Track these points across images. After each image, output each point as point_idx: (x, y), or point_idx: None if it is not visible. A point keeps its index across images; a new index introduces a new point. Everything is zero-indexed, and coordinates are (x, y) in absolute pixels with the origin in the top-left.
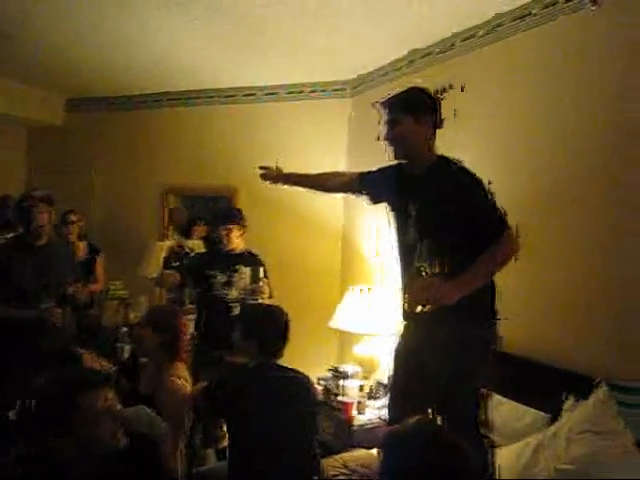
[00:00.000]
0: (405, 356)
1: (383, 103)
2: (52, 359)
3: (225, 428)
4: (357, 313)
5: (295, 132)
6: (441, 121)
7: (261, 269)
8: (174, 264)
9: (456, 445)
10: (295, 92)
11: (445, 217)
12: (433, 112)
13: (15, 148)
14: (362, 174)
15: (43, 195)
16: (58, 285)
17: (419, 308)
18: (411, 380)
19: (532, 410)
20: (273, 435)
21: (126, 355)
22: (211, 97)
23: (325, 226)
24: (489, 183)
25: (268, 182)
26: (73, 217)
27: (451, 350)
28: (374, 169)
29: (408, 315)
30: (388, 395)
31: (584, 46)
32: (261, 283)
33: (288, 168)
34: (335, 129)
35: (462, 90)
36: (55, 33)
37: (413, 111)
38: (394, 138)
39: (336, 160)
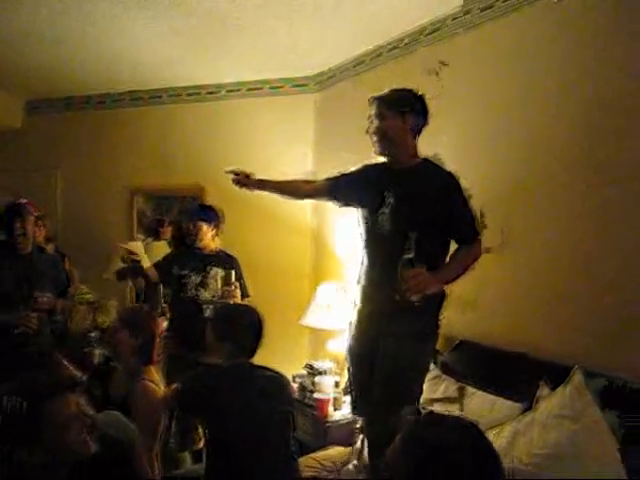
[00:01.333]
0: (358, 349)
1: (374, 97)
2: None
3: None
4: (328, 309)
5: (260, 129)
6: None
7: (233, 272)
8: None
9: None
10: (259, 88)
11: (425, 213)
12: (420, 115)
13: None
14: (330, 181)
15: (27, 204)
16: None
17: (414, 297)
18: (366, 371)
19: (506, 401)
20: (250, 435)
21: (96, 360)
22: (174, 95)
23: (294, 223)
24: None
25: (241, 188)
26: (40, 220)
27: (403, 341)
28: (345, 172)
29: (365, 299)
30: (349, 391)
31: (561, 28)
32: (233, 287)
33: (254, 165)
34: (300, 125)
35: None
36: (10, 32)
37: (401, 109)
38: (380, 132)
39: (302, 155)
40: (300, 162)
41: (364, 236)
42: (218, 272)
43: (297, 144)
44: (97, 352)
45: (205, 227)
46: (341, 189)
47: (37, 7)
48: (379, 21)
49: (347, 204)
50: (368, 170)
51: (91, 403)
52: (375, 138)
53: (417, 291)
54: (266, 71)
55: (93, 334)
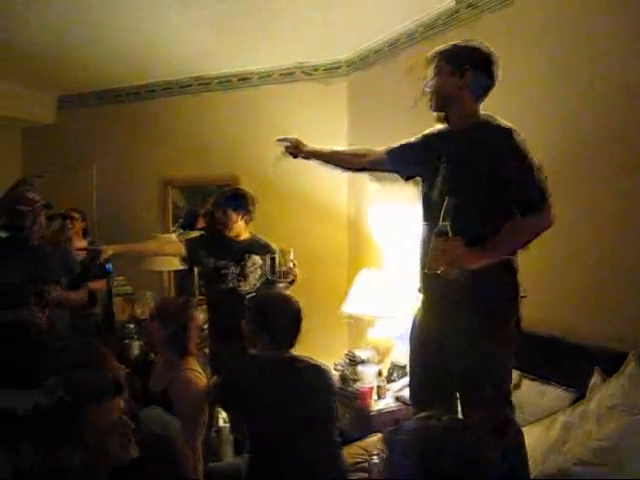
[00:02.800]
0: (422, 338)
1: (434, 51)
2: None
3: None
4: (369, 296)
5: (293, 114)
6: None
7: (291, 250)
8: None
9: (471, 445)
10: (291, 74)
11: (479, 175)
12: (484, 74)
13: (9, 149)
14: (389, 151)
15: (35, 197)
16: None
17: (440, 270)
18: (431, 364)
19: (556, 389)
20: (292, 427)
21: (135, 352)
22: (206, 84)
23: (331, 210)
24: None
25: (293, 157)
26: (74, 215)
27: (472, 331)
28: (404, 142)
29: (427, 283)
30: (408, 380)
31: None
32: (291, 264)
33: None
34: (334, 109)
35: None
36: (41, 28)
37: (460, 64)
38: (434, 87)
39: (336, 140)
40: (335, 145)
41: (422, 210)
42: (257, 260)
43: (331, 129)
44: (136, 344)
45: (235, 215)
46: (400, 159)
47: (67, 2)
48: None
49: (408, 176)
50: (428, 137)
51: (131, 396)
52: (430, 94)
53: (447, 264)
54: (298, 56)
55: (131, 326)
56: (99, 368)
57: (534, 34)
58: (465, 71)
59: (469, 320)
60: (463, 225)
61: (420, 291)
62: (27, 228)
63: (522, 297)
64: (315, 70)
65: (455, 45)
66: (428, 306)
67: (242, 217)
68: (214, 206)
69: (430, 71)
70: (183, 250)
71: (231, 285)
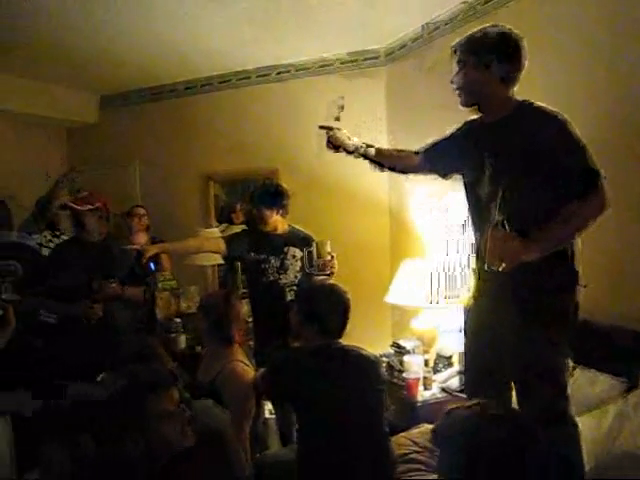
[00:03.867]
0: (477, 327)
1: (455, 45)
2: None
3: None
4: (411, 286)
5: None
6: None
7: (328, 241)
8: None
9: (522, 429)
10: (329, 65)
11: (527, 165)
12: (509, 56)
13: (55, 149)
14: (425, 152)
15: (87, 196)
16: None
17: (501, 266)
18: (486, 355)
19: (606, 376)
20: (343, 417)
21: (182, 345)
22: (245, 78)
23: (372, 201)
24: None
25: (332, 151)
26: (139, 211)
27: (529, 321)
28: (439, 139)
29: (484, 276)
30: (464, 371)
31: None
32: (330, 257)
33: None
34: (372, 98)
35: None
36: (81, 29)
37: (481, 54)
38: (460, 82)
39: (375, 130)
40: (374, 137)
41: (468, 205)
42: (296, 252)
43: (370, 118)
44: (182, 338)
45: (269, 212)
46: (437, 158)
47: (106, 3)
48: None
49: (448, 174)
50: (465, 131)
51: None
52: (457, 91)
53: (503, 259)
54: (336, 46)
55: (178, 320)
56: (154, 362)
57: (585, 24)
58: (491, 61)
59: (524, 311)
60: (519, 217)
61: (475, 280)
62: (88, 227)
63: (583, 286)
64: (353, 60)
65: (476, 34)
66: (482, 295)
67: (277, 212)
68: (249, 203)
69: (454, 65)
70: (223, 247)
71: (272, 278)
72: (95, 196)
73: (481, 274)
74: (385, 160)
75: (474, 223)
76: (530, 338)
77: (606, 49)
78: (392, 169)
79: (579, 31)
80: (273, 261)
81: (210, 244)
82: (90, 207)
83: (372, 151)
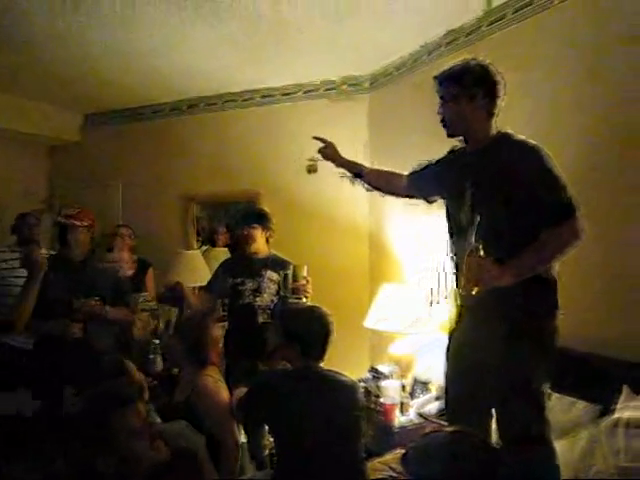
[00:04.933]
0: (458, 353)
1: (435, 77)
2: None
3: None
4: (390, 312)
5: (315, 131)
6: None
7: (305, 267)
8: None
9: (487, 458)
10: (314, 90)
11: (504, 194)
12: (492, 87)
13: (37, 166)
14: (411, 176)
15: (78, 212)
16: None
17: (474, 290)
18: (466, 379)
19: (581, 402)
20: (321, 440)
21: (159, 367)
22: (228, 101)
23: (352, 225)
24: None
25: (324, 159)
26: (124, 231)
27: (509, 346)
28: (425, 165)
29: (463, 300)
30: (445, 395)
31: None
32: (305, 281)
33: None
34: (355, 126)
35: None
36: (67, 48)
37: (466, 86)
38: (447, 114)
39: (357, 156)
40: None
41: (449, 231)
42: (274, 275)
43: (352, 144)
44: (159, 359)
45: (259, 232)
46: (421, 183)
47: (92, 23)
48: (436, 13)
49: (431, 199)
50: (449, 158)
51: (157, 411)
52: (444, 122)
53: (478, 283)
54: (321, 73)
55: (157, 341)
56: (120, 377)
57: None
58: (476, 94)
59: (504, 336)
60: (495, 244)
61: (456, 308)
62: (74, 244)
63: (561, 314)
64: (337, 86)
65: (460, 67)
66: (462, 321)
67: (263, 231)
68: (237, 224)
69: (439, 95)
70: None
71: (247, 300)
72: (85, 213)
73: (461, 300)
74: (373, 179)
75: (453, 249)
76: (510, 362)
77: (589, 58)
78: (379, 189)
79: (564, 42)
80: (250, 284)
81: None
82: (83, 224)
83: (362, 169)
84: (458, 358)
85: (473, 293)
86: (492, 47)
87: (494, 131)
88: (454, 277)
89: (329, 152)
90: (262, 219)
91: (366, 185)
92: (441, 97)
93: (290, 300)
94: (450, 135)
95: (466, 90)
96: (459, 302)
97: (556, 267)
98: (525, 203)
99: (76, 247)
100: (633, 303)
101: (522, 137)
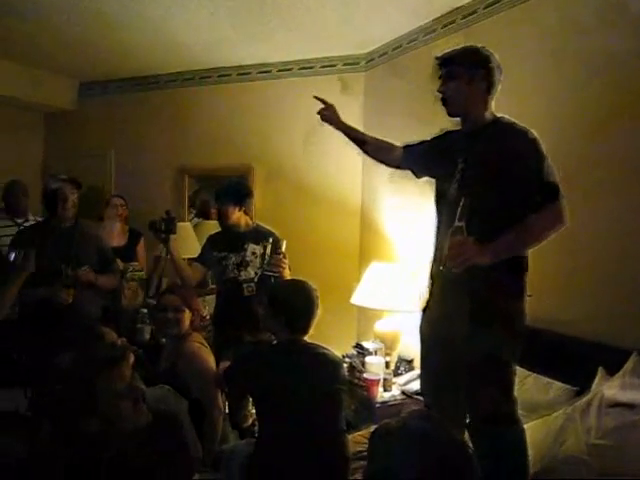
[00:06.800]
0: (431, 331)
1: (437, 58)
2: (75, 338)
3: (249, 407)
4: (378, 289)
5: (310, 108)
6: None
7: (284, 242)
8: None
9: (454, 443)
10: (309, 67)
11: (493, 174)
12: (488, 70)
13: (32, 133)
14: (406, 150)
15: (70, 178)
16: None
17: (455, 268)
18: (439, 358)
19: (558, 383)
20: (301, 412)
21: (147, 336)
22: (226, 75)
23: (343, 202)
24: None
25: (325, 123)
26: (117, 201)
27: (477, 324)
28: (421, 141)
29: (438, 281)
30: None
31: None
32: (281, 256)
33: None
34: (349, 104)
35: None
36: (65, 15)
37: (472, 68)
38: (449, 93)
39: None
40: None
41: (436, 210)
42: (256, 249)
43: (347, 121)
44: (147, 328)
45: (231, 207)
46: (416, 158)
47: None
48: None
49: (421, 174)
50: (444, 137)
51: (142, 379)
52: (445, 100)
53: (458, 261)
54: (318, 49)
55: (144, 311)
56: (103, 341)
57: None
58: (478, 75)
59: (472, 313)
60: (478, 225)
61: (430, 285)
62: (59, 210)
63: (528, 296)
64: (333, 64)
65: (463, 50)
66: (437, 300)
67: (239, 208)
68: (216, 201)
69: (442, 75)
70: (203, 270)
71: (231, 275)
72: (73, 180)
73: (436, 280)
74: (369, 147)
75: (438, 228)
76: (477, 340)
77: (569, 56)
78: (371, 156)
79: (542, 38)
80: (233, 258)
81: (196, 275)
82: (71, 191)
83: (360, 135)
84: (431, 337)
85: (453, 270)
86: (488, 30)
87: (490, 115)
88: (434, 253)
89: (328, 114)
90: (235, 196)
91: (361, 151)
92: (441, 77)
93: (265, 274)
94: (450, 114)
95: (467, 71)
96: (433, 282)
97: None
98: (514, 186)
99: (64, 214)
100: (610, 287)
101: (514, 121)
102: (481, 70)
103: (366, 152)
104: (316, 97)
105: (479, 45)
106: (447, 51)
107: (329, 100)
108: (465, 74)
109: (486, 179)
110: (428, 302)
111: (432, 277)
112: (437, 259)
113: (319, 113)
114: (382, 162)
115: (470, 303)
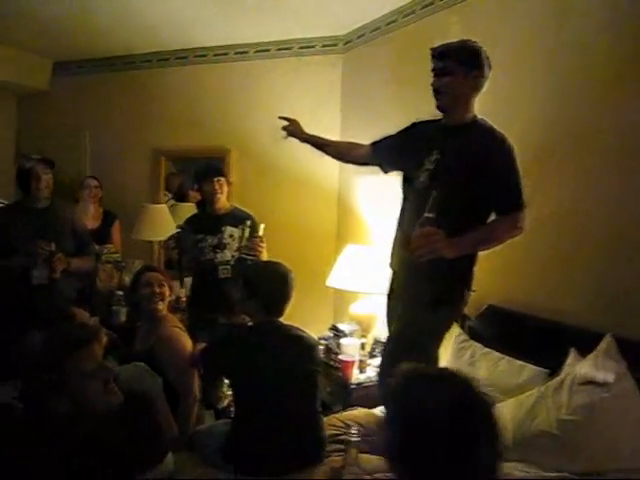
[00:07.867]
0: (390, 313)
1: (433, 50)
2: (45, 319)
3: (224, 388)
4: (354, 272)
5: (287, 89)
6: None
7: (262, 225)
8: None
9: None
10: (287, 48)
11: (467, 171)
12: (482, 70)
13: (4, 114)
14: (374, 146)
15: (43, 158)
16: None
17: (421, 258)
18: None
19: (530, 366)
20: (276, 393)
21: (122, 319)
22: (202, 56)
23: (320, 185)
24: None
25: (289, 137)
26: (91, 182)
27: (422, 306)
28: (390, 134)
29: (398, 264)
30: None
31: None
32: (259, 239)
33: (281, 125)
34: (328, 85)
35: None
36: None
37: (463, 62)
38: (441, 87)
39: (330, 116)
40: (328, 122)
41: (403, 193)
42: (234, 232)
43: (325, 104)
44: (123, 310)
45: (224, 185)
46: (385, 153)
47: None
48: None
49: (391, 170)
50: (416, 129)
51: (117, 360)
52: (435, 94)
53: (425, 252)
54: (296, 31)
55: (119, 293)
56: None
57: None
58: (472, 71)
59: (422, 297)
60: (447, 218)
61: (391, 268)
62: (32, 189)
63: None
64: (312, 46)
65: (458, 44)
66: (395, 288)
67: (228, 186)
68: (203, 180)
69: (436, 68)
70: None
71: (208, 257)
72: (46, 160)
73: (396, 263)
74: (333, 151)
75: (402, 210)
76: (413, 315)
77: (548, 51)
78: (339, 158)
79: (522, 30)
80: (210, 240)
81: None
82: (45, 171)
83: (324, 141)
84: (390, 318)
85: (420, 259)
86: (466, 13)
87: (471, 113)
88: (397, 241)
89: (292, 129)
90: (223, 173)
91: (331, 157)
92: (434, 69)
93: (243, 257)
94: (442, 106)
95: (463, 68)
96: (394, 265)
97: None
98: (485, 187)
99: (37, 194)
100: (583, 270)
101: (494, 126)
102: (475, 70)
103: (331, 155)
104: (281, 117)
105: (474, 42)
106: (443, 44)
107: (308, 80)
108: (461, 71)
109: (460, 175)
110: (388, 290)
111: (394, 262)
112: (402, 244)
113: (284, 129)
114: (349, 162)
115: (422, 287)
